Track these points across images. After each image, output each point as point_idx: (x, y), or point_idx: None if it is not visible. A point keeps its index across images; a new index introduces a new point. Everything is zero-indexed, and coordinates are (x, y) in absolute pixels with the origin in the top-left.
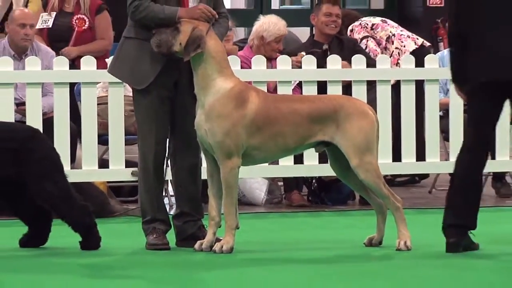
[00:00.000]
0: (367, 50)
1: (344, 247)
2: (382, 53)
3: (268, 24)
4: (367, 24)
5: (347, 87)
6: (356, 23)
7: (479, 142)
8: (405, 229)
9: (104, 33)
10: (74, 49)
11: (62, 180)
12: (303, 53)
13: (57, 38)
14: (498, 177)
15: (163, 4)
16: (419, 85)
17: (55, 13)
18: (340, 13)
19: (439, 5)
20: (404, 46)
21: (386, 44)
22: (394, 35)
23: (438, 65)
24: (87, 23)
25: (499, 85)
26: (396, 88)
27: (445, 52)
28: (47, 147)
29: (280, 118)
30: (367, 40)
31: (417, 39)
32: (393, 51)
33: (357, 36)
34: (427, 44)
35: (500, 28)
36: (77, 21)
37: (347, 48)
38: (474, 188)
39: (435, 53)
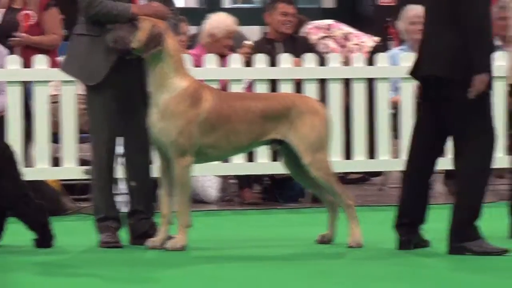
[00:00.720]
0: (327, 50)
1: (296, 244)
2: (341, 51)
3: (218, 22)
4: (322, 25)
5: (298, 85)
6: (310, 26)
7: (423, 144)
8: (357, 227)
9: (54, 28)
10: (28, 36)
11: (17, 177)
12: (248, 42)
13: (5, 35)
14: (450, 175)
15: (116, 0)
16: (370, 83)
17: (4, 10)
18: (295, 13)
19: (390, 4)
20: (363, 42)
21: (344, 42)
22: (350, 33)
23: (388, 63)
24: (33, 18)
25: (422, 82)
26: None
27: (395, 51)
28: (2, 145)
29: (233, 116)
30: (326, 40)
31: (372, 37)
32: (352, 47)
33: (314, 37)
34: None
35: (427, 28)
36: (23, 16)
37: (301, 47)
38: (424, 187)
39: (385, 51)
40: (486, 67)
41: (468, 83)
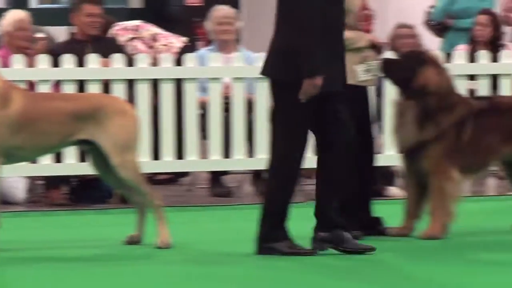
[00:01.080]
0: (136, 52)
1: (105, 245)
2: (149, 52)
3: (9, 18)
4: (129, 26)
5: (106, 85)
6: (117, 27)
7: None
8: (165, 227)
9: None
10: None
11: None
12: (40, 34)
13: None
14: (257, 175)
15: None
16: (178, 84)
17: None
18: (101, 13)
19: (197, 4)
20: (172, 43)
21: (152, 42)
22: (158, 33)
23: (196, 64)
24: None
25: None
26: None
27: (203, 51)
28: None
29: (43, 117)
30: (135, 42)
31: (180, 37)
32: (159, 48)
33: (122, 38)
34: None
35: (274, 28)
36: None
37: (109, 47)
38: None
39: (192, 51)
40: (315, 71)
41: (291, 86)
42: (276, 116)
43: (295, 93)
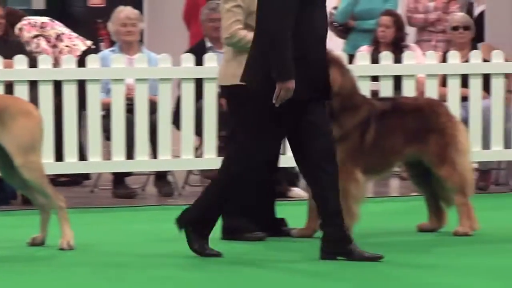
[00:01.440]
0: (39, 50)
1: (8, 246)
2: (53, 51)
3: None
4: (36, 22)
5: (10, 87)
6: (24, 21)
7: None
8: (68, 229)
9: None
10: None
11: None
12: None
13: None
14: (160, 176)
15: None
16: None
17: None
18: (3, 14)
19: (100, 5)
20: (75, 45)
21: (56, 42)
22: (63, 33)
23: (99, 65)
24: None
25: None
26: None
27: (106, 52)
28: None
29: None
30: (39, 40)
31: (85, 40)
32: (63, 48)
33: (27, 34)
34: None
35: None
36: None
37: (13, 48)
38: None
39: (96, 53)
40: (286, 74)
41: (261, 93)
42: (243, 121)
43: (265, 100)
